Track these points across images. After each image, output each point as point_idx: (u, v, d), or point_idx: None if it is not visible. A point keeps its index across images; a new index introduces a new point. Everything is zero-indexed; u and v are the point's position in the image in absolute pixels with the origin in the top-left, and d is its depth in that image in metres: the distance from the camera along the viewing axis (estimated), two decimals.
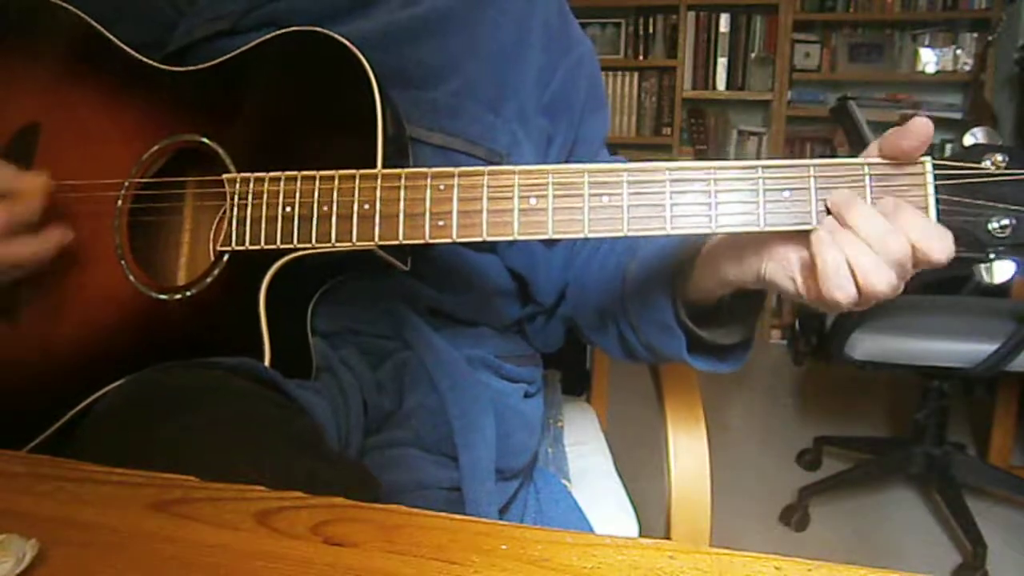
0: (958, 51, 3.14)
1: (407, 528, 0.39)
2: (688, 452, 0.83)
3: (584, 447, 1.00)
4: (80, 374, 0.65)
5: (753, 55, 3.28)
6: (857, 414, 2.59)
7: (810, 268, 0.51)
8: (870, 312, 1.73)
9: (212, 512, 0.41)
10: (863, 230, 0.49)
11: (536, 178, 0.55)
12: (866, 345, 1.75)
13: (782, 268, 0.54)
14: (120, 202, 0.66)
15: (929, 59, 3.17)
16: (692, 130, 3.37)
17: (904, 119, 0.51)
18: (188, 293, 0.63)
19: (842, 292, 0.49)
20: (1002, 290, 2.29)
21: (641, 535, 0.87)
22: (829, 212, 0.51)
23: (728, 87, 3.31)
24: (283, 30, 0.65)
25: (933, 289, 2.03)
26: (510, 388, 0.76)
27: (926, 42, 3.18)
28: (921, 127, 0.49)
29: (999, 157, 0.50)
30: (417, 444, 0.68)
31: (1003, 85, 2.95)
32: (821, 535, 1.88)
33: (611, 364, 1.18)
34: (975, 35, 3.11)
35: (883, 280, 0.49)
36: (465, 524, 0.40)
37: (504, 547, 0.37)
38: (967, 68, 3.11)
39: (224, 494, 0.42)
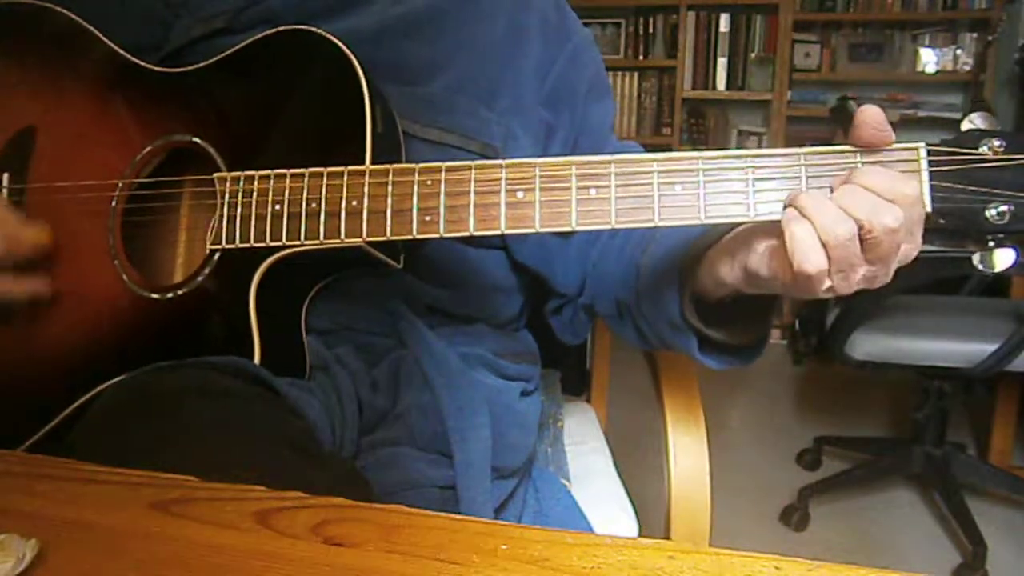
0: (958, 51, 3.13)
1: (407, 528, 0.39)
2: (688, 452, 0.83)
3: (584, 447, 1.00)
4: (75, 374, 0.65)
5: (753, 55, 3.27)
6: (857, 414, 2.58)
7: (781, 250, 0.51)
8: (870, 312, 1.74)
9: (212, 512, 0.41)
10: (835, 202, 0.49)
11: (523, 171, 0.55)
12: (866, 345, 1.75)
13: (759, 256, 0.54)
14: (114, 203, 0.67)
15: (929, 59, 3.16)
16: (692, 130, 3.37)
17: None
18: (179, 292, 0.63)
19: (810, 263, 0.49)
20: (1002, 290, 2.29)
21: (641, 535, 0.87)
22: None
23: (728, 87, 3.30)
24: (272, 29, 0.65)
25: (933, 289, 2.03)
26: (507, 386, 0.76)
27: (926, 42, 3.17)
28: (870, 115, 0.50)
29: (996, 142, 0.50)
30: (412, 443, 0.68)
31: (1003, 85, 2.95)
32: (821, 535, 1.88)
33: (611, 364, 1.18)
34: (975, 35, 3.10)
35: (846, 230, 0.48)
36: (465, 524, 0.40)
37: (504, 547, 0.37)
38: (967, 68, 3.11)
39: (224, 494, 0.42)
